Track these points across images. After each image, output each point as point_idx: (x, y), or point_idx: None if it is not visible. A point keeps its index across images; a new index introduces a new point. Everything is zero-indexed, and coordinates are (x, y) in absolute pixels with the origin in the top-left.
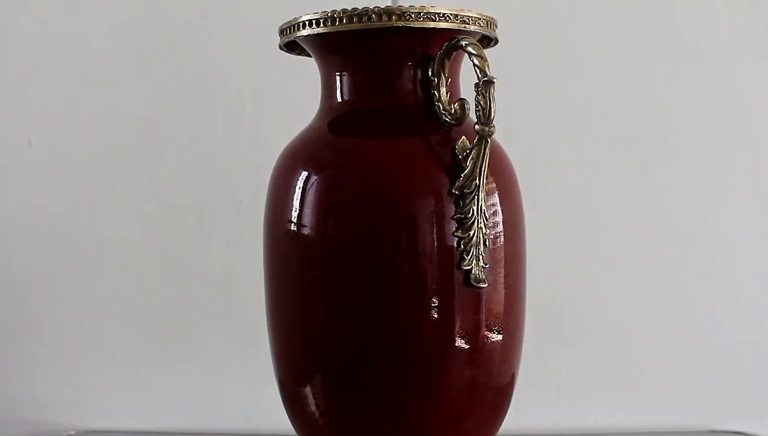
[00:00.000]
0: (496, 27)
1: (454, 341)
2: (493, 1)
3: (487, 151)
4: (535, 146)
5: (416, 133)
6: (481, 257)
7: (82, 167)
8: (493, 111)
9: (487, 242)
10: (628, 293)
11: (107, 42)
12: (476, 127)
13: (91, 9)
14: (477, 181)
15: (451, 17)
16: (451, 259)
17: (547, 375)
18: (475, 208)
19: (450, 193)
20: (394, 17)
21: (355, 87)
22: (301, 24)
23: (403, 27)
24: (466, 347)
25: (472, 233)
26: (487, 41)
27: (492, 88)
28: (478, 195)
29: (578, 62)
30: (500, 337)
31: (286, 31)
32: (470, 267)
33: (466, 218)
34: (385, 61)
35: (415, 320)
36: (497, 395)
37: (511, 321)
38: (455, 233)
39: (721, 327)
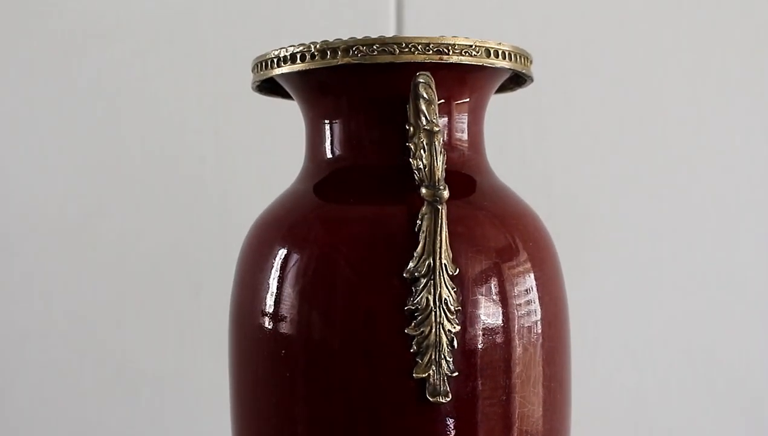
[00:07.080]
0: (527, 60)
1: None
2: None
3: (442, 222)
4: (581, 221)
5: (401, 200)
6: (444, 361)
7: None
8: (438, 169)
9: (454, 343)
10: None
11: (30, 88)
12: (422, 191)
13: (31, 54)
14: (431, 262)
15: (420, 48)
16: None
17: None
18: (430, 297)
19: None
20: (339, 53)
21: (342, 140)
22: (265, 63)
23: (358, 64)
24: None
25: (426, 329)
26: (521, 80)
27: (436, 140)
28: (434, 280)
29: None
30: None
31: (255, 68)
32: (425, 375)
33: (417, 310)
34: (365, 108)
35: None
36: None
37: None
38: (406, 330)
39: None
